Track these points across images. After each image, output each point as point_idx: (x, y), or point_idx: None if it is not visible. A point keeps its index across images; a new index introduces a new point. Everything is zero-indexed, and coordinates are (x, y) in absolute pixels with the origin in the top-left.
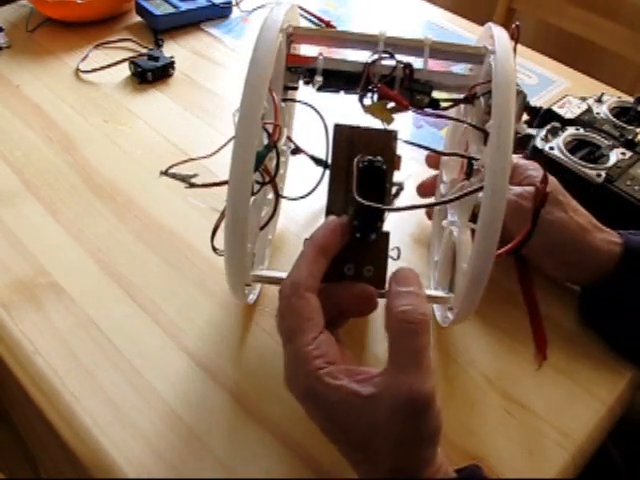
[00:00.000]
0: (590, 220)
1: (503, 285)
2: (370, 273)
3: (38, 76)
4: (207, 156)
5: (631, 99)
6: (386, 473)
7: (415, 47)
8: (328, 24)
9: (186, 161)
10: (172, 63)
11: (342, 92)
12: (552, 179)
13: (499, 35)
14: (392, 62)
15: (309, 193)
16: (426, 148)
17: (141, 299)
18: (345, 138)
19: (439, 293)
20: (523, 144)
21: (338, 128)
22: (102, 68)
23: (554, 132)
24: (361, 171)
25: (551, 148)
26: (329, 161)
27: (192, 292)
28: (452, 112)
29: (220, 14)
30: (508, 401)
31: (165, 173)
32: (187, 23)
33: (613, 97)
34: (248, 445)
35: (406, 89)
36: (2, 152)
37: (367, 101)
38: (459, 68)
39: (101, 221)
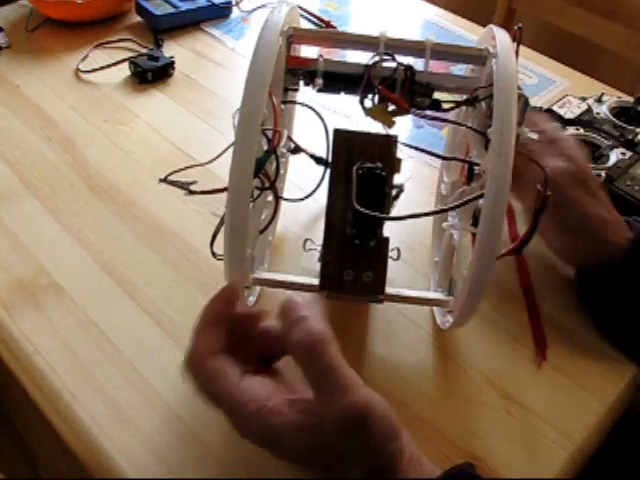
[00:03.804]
0: (608, 207)
1: (503, 285)
2: (369, 279)
3: (38, 76)
4: (207, 162)
5: (631, 99)
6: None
7: (416, 49)
8: (328, 24)
9: (184, 169)
10: (172, 63)
11: (342, 92)
12: (583, 158)
13: (501, 39)
14: (393, 64)
15: (309, 195)
16: (426, 151)
17: (141, 299)
18: (344, 143)
19: (439, 296)
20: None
21: (337, 133)
22: (102, 68)
23: None
24: (360, 178)
25: None
26: (329, 159)
27: (192, 292)
28: (453, 113)
29: (220, 14)
30: (508, 401)
31: (164, 180)
32: (187, 23)
33: (613, 97)
34: (247, 444)
35: (407, 91)
36: (2, 152)
37: (368, 103)
38: (459, 67)
39: (101, 221)
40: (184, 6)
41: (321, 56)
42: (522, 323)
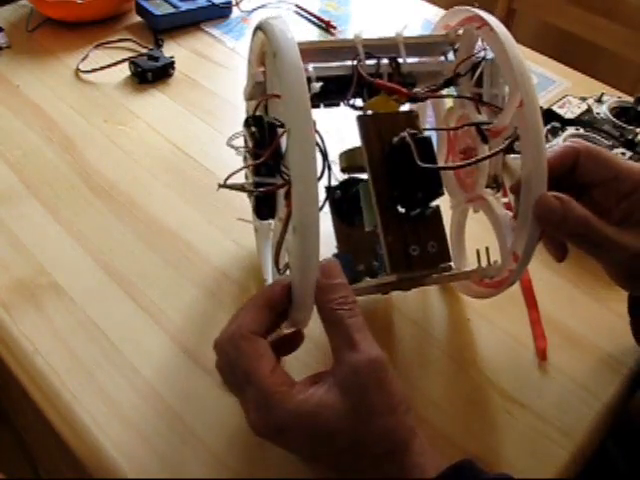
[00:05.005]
0: None
1: None
2: (434, 249)
3: (38, 76)
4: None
5: (631, 99)
6: (383, 462)
7: (390, 45)
8: (328, 24)
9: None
10: (172, 63)
11: (322, 105)
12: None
13: (480, 13)
14: (375, 60)
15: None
16: (434, 129)
17: (141, 299)
18: (373, 125)
19: (483, 266)
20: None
21: (363, 119)
22: (102, 68)
23: (554, 132)
24: (415, 142)
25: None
26: (332, 182)
27: (192, 292)
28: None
29: (220, 14)
30: (508, 401)
31: (224, 185)
32: (187, 23)
33: (613, 97)
34: (249, 446)
35: (397, 83)
36: (2, 152)
37: (358, 102)
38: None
39: (101, 221)
40: (184, 6)
41: (308, 64)
42: (522, 323)
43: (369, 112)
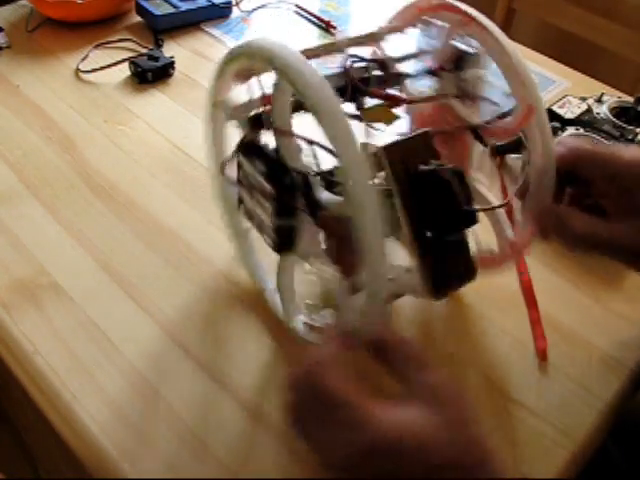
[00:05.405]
0: None
1: (503, 285)
2: (463, 267)
3: (38, 76)
4: None
5: (631, 99)
6: (474, 472)
7: (373, 39)
8: (328, 24)
9: None
10: (172, 63)
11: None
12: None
13: (468, 9)
14: (364, 63)
15: None
16: (439, 130)
17: (141, 299)
18: (397, 156)
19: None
20: (517, 147)
21: (388, 149)
22: (102, 68)
23: (554, 132)
24: (454, 178)
25: None
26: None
27: (192, 292)
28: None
29: (220, 14)
30: (508, 401)
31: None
32: (187, 23)
33: (613, 97)
34: (251, 446)
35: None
36: (2, 152)
37: (351, 109)
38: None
39: (101, 221)
40: (184, 6)
41: None
42: (522, 323)
43: (376, 125)
